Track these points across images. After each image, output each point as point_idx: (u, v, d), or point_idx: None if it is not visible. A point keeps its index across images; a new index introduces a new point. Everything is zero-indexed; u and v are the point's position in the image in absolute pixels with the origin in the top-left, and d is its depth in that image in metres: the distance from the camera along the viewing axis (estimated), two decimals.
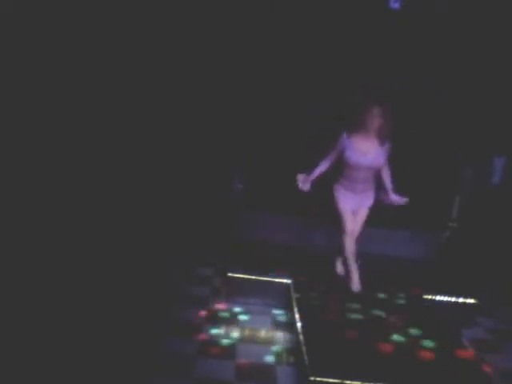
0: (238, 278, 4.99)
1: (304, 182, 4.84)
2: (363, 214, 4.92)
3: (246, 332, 4.48)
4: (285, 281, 5.00)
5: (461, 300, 5.04)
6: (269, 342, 4.34)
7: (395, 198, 4.90)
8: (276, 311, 4.89)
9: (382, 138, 4.67)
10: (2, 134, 5.26)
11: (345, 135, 4.73)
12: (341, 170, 4.86)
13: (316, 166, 4.88)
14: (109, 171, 6.04)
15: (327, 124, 6.14)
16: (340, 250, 5.04)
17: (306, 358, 3.69)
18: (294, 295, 4.71)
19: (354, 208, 4.89)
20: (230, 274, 5.01)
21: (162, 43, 6.04)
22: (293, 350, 4.19)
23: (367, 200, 4.90)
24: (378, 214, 5.37)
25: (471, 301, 5.05)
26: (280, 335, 4.47)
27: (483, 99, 5.77)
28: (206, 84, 6.14)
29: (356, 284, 4.89)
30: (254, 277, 4.99)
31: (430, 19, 6.05)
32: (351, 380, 3.49)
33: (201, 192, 6.15)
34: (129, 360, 3.78)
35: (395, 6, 6.06)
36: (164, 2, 6.03)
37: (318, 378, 3.47)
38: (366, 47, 6.08)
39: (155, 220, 5.99)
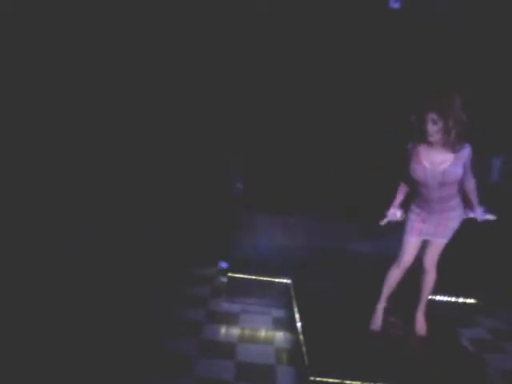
0: (238, 277, 4.99)
1: (393, 216, 4.08)
2: (439, 245, 4.02)
3: (246, 332, 4.48)
4: (285, 281, 4.99)
5: (461, 300, 5.04)
6: (269, 342, 4.34)
7: (480, 214, 3.95)
8: (276, 311, 4.89)
9: (452, 143, 3.67)
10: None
11: (410, 144, 3.85)
12: (413, 183, 3.95)
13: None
14: (108, 170, 6.04)
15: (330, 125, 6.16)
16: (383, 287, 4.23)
17: (305, 358, 3.70)
18: (294, 295, 4.71)
19: (425, 236, 4.02)
20: (229, 274, 5.01)
21: (161, 40, 6.04)
22: (293, 349, 4.19)
23: (449, 223, 3.93)
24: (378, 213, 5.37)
25: (471, 301, 5.05)
26: (280, 335, 4.47)
27: (482, 99, 5.76)
28: (206, 85, 6.14)
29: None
30: (253, 277, 4.99)
31: (430, 19, 6.05)
32: (351, 380, 3.49)
33: (201, 192, 6.15)
34: (129, 360, 3.78)
35: (395, 6, 6.06)
36: (163, 1, 6.03)
37: (318, 378, 3.47)
38: (366, 47, 6.08)
39: (156, 220, 5.99)
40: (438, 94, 3.69)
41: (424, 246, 4.12)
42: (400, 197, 4.11)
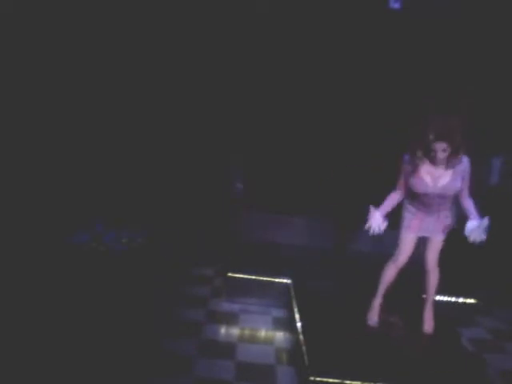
0: (238, 277, 4.99)
1: (378, 223, 3.98)
2: (438, 242, 4.09)
3: (246, 332, 4.48)
4: (285, 281, 5.00)
5: (461, 300, 5.04)
6: (269, 342, 4.34)
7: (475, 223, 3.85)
8: (276, 311, 4.89)
9: (454, 161, 3.82)
10: None
11: (407, 159, 3.91)
12: (411, 191, 4.00)
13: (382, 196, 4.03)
14: (109, 171, 6.04)
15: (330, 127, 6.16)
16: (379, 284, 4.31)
17: (305, 358, 3.70)
18: (294, 295, 4.71)
19: (423, 232, 4.07)
20: (230, 274, 5.01)
21: (161, 40, 6.04)
22: (293, 350, 4.19)
23: (445, 220, 4.03)
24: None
25: (471, 301, 5.05)
26: (280, 335, 4.47)
27: (482, 99, 5.76)
28: (206, 86, 6.14)
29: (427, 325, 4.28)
30: (254, 277, 4.99)
31: (430, 19, 6.04)
32: (351, 380, 3.49)
33: (201, 192, 6.15)
34: (129, 360, 3.78)
35: (395, 6, 6.05)
36: (163, 2, 6.03)
37: (318, 378, 3.47)
38: (366, 47, 6.08)
39: (156, 219, 5.99)
40: (445, 121, 3.71)
41: (423, 245, 4.16)
42: (387, 208, 4.04)
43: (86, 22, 5.89)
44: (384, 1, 6.06)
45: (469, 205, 3.94)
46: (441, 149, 3.71)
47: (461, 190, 3.89)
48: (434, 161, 3.79)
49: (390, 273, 4.24)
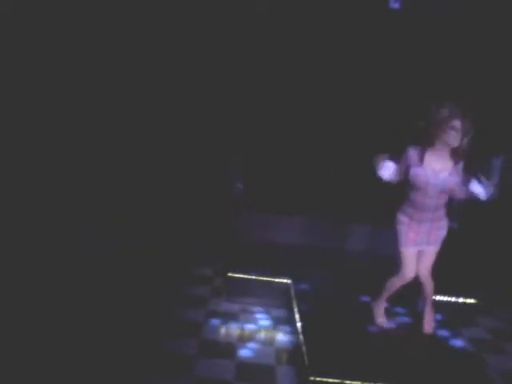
0: (238, 277, 4.99)
1: (389, 171, 4.06)
2: (431, 254, 4.12)
3: (246, 332, 4.48)
4: (285, 281, 5.00)
5: (461, 300, 5.04)
6: (269, 342, 4.34)
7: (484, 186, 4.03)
8: (276, 311, 4.88)
9: (457, 155, 3.90)
10: None
11: (412, 149, 3.96)
12: (406, 196, 4.06)
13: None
14: (108, 171, 6.05)
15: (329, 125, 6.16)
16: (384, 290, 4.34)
17: (305, 358, 3.70)
18: (294, 295, 4.71)
19: (420, 245, 4.09)
20: (230, 274, 5.01)
21: (161, 40, 6.03)
22: (293, 350, 4.19)
23: (438, 232, 4.07)
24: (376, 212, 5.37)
25: (471, 301, 5.05)
26: (280, 335, 4.47)
27: (482, 99, 5.76)
28: (206, 85, 6.14)
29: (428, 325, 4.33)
30: (254, 277, 4.99)
31: (430, 19, 6.04)
32: (351, 380, 3.49)
33: (201, 192, 6.15)
34: (129, 360, 3.78)
35: (395, 6, 6.05)
36: (163, 2, 6.03)
37: (318, 378, 3.47)
38: (366, 47, 6.08)
39: (156, 220, 5.99)
40: (459, 102, 3.79)
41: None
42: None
43: (86, 22, 5.89)
44: (384, 1, 6.06)
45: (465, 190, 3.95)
46: (455, 127, 3.75)
47: (455, 191, 3.95)
48: (446, 144, 3.81)
49: (396, 286, 4.24)
